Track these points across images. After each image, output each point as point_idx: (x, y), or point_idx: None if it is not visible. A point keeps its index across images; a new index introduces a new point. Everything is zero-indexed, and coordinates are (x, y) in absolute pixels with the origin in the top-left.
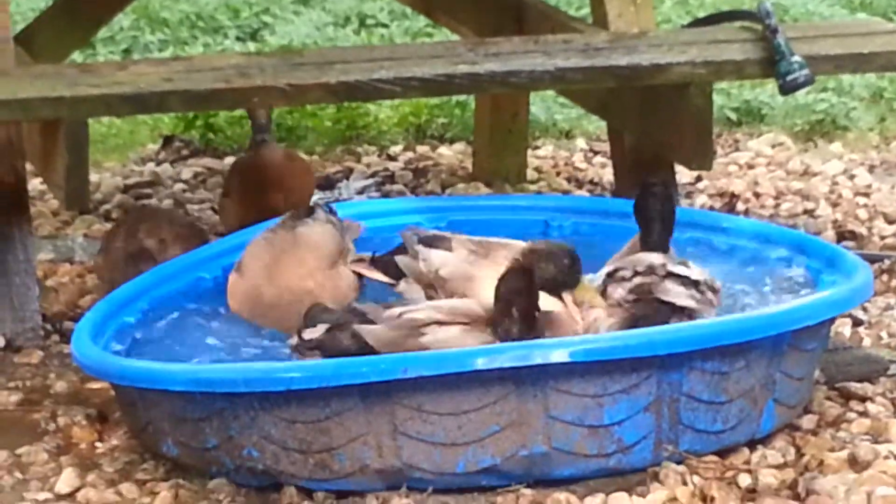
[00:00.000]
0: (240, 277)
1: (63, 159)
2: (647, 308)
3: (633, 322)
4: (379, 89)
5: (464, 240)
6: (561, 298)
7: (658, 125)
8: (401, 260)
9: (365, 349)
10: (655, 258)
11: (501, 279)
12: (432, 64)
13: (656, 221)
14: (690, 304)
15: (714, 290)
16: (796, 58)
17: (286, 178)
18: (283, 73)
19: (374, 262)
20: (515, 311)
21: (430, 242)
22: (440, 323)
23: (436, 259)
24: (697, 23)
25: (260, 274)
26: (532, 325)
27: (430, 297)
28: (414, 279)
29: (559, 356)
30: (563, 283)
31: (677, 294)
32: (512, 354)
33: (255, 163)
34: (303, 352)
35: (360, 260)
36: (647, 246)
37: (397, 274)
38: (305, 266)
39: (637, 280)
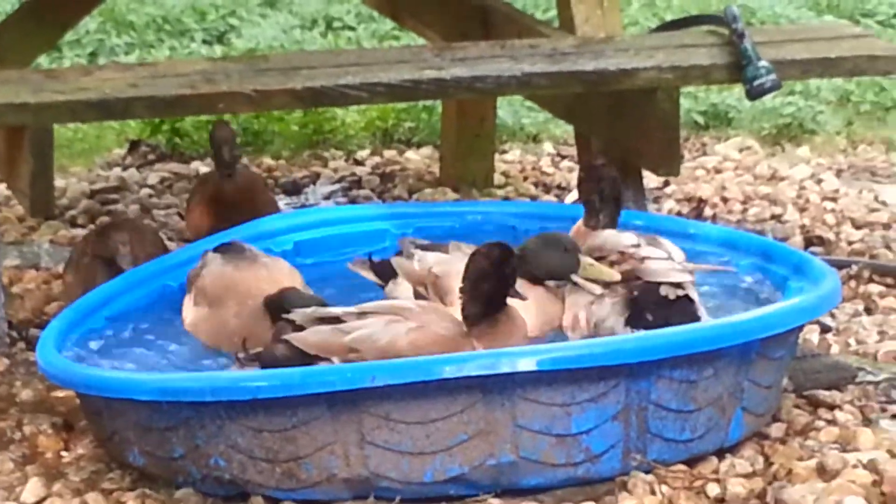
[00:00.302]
0: (204, 307)
1: (28, 165)
2: (644, 285)
3: (633, 300)
4: (345, 95)
5: (461, 245)
6: (572, 282)
7: (625, 130)
8: (395, 260)
9: (300, 357)
10: (626, 239)
11: (469, 259)
12: (398, 69)
13: (605, 200)
14: (684, 278)
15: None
16: (763, 63)
17: (251, 207)
18: (249, 78)
19: (372, 265)
20: (478, 291)
21: (427, 248)
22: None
23: (430, 258)
24: (664, 27)
25: (226, 304)
26: (498, 307)
27: (418, 297)
28: (406, 278)
29: (526, 364)
30: (566, 268)
31: (665, 272)
32: (479, 363)
33: (221, 187)
34: (244, 364)
35: (360, 262)
36: (596, 226)
37: (391, 276)
38: None
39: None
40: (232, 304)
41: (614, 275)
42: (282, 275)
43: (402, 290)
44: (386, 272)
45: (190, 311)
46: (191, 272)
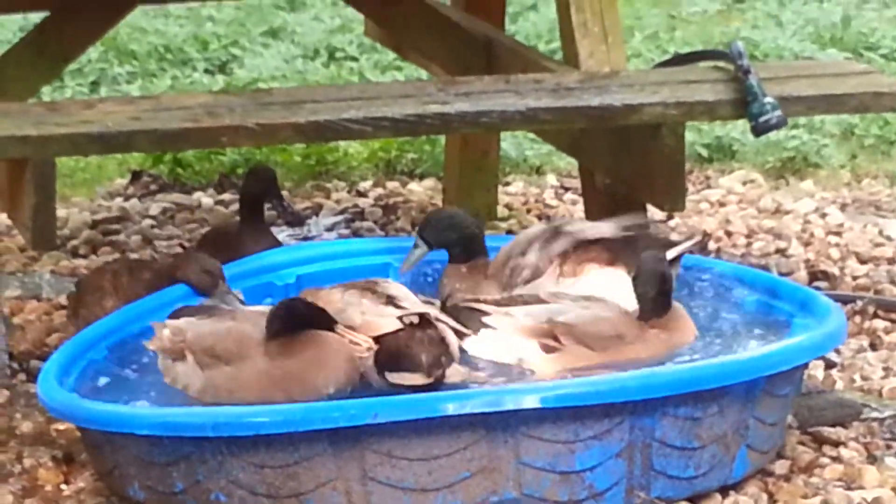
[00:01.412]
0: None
1: (30, 198)
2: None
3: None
4: (349, 129)
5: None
6: None
7: (630, 165)
8: None
9: None
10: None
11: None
12: (402, 104)
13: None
14: None
15: None
16: (769, 99)
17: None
18: (252, 112)
19: None
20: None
21: None
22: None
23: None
24: (669, 62)
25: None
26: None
27: None
28: None
29: (530, 402)
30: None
31: None
32: (482, 400)
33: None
34: None
35: None
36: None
37: None
38: None
39: None
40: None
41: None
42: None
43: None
44: None
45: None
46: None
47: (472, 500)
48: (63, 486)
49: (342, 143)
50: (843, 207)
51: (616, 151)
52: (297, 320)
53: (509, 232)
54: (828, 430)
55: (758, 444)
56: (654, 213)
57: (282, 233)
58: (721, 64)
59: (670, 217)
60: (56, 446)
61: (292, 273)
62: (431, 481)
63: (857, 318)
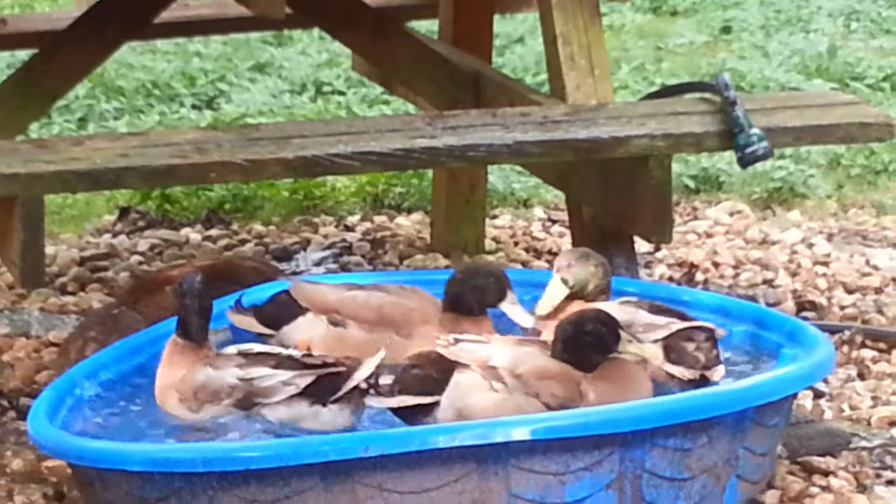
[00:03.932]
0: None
1: (18, 235)
2: None
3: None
4: (337, 164)
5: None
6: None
7: (617, 198)
8: (298, 288)
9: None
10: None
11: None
12: (390, 138)
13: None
14: None
15: None
16: (755, 130)
17: None
18: (241, 148)
19: (256, 312)
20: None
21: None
22: None
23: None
24: (656, 94)
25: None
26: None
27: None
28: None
29: (520, 434)
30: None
31: None
32: (473, 433)
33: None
34: None
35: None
36: None
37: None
38: None
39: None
40: None
41: (656, 354)
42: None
43: (308, 326)
44: (275, 317)
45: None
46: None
47: None
48: None
49: (330, 178)
50: (829, 237)
51: (603, 184)
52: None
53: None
54: (817, 460)
55: (748, 474)
56: (641, 245)
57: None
58: (708, 96)
59: (658, 249)
60: (47, 483)
61: None
62: None
63: (845, 348)
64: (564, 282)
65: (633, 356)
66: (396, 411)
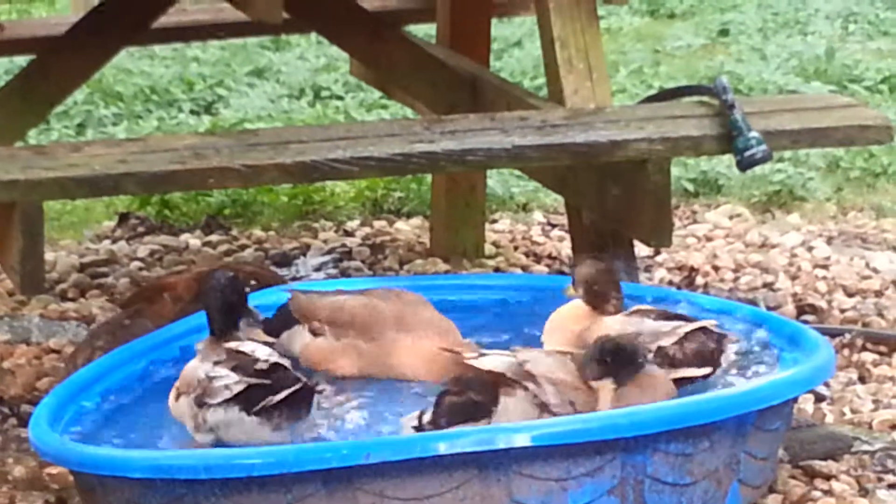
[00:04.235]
0: None
1: (18, 243)
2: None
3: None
4: (336, 169)
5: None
6: None
7: (616, 201)
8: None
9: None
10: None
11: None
12: (389, 143)
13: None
14: None
15: None
16: (754, 133)
17: None
18: (239, 153)
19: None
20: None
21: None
22: None
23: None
24: (654, 98)
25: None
26: None
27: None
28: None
29: (522, 440)
30: None
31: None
32: (474, 439)
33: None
34: None
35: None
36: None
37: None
38: None
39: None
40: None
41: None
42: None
43: (297, 335)
44: (276, 324)
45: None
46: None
47: None
48: None
49: (328, 183)
50: (829, 240)
51: (602, 188)
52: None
53: (496, 269)
54: (819, 464)
55: (750, 478)
56: (640, 249)
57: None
58: (706, 99)
59: (657, 252)
60: (49, 490)
61: None
62: None
63: (846, 351)
64: None
65: None
66: None
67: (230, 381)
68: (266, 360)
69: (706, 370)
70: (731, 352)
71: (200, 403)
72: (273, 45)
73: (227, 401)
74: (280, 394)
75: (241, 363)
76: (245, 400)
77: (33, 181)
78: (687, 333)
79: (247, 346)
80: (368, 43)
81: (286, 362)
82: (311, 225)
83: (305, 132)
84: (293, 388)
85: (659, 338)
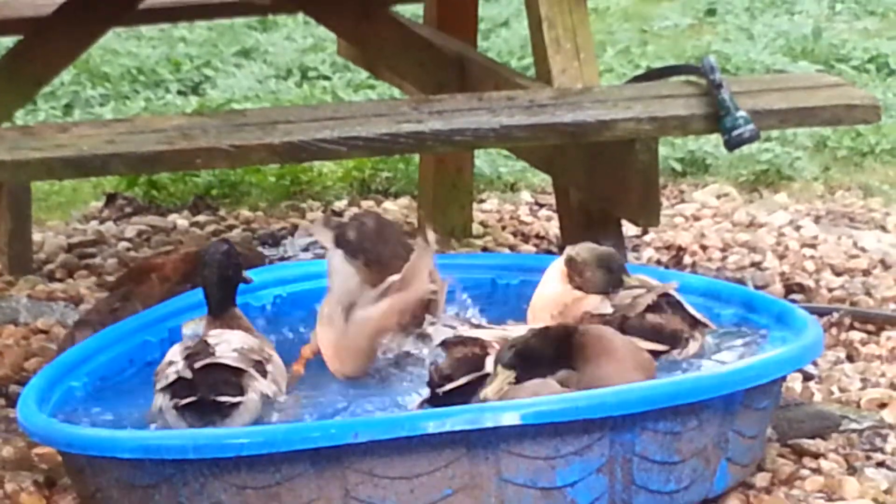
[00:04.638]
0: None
1: (6, 223)
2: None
3: None
4: (323, 149)
5: None
6: None
7: (604, 181)
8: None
9: None
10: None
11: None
12: (376, 123)
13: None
14: None
15: None
16: (741, 113)
17: None
18: (227, 133)
19: None
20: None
21: None
22: None
23: None
24: (642, 77)
25: None
26: None
27: None
28: None
29: (510, 419)
30: None
31: None
32: (462, 418)
33: None
34: None
35: None
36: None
37: None
38: None
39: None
40: None
41: None
42: None
43: None
44: None
45: None
46: None
47: None
48: None
49: (316, 163)
50: (817, 220)
51: (590, 167)
52: None
53: (484, 249)
54: (807, 442)
55: (738, 457)
56: (628, 228)
57: None
58: (693, 78)
59: (645, 232)
60: (38, 471)
61: (269, 294)
62: (413, 499)
63: (834, 330)
64: None
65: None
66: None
67: (174, 368)
68: (210, 358)
69: (663, 347)
70: (699, 340)
71: (154, 385)
72: (260, 26)
73: (162, 388)
74: (186, 399)
75: (197, 352)
76: (172, 391)
77: (20, 162)
78: (651, 308)
79: (217, 338)
80: (356, 23)
81: (239, 363)
82: (299, 205)
83: (293, 112)
84: (193, 398)
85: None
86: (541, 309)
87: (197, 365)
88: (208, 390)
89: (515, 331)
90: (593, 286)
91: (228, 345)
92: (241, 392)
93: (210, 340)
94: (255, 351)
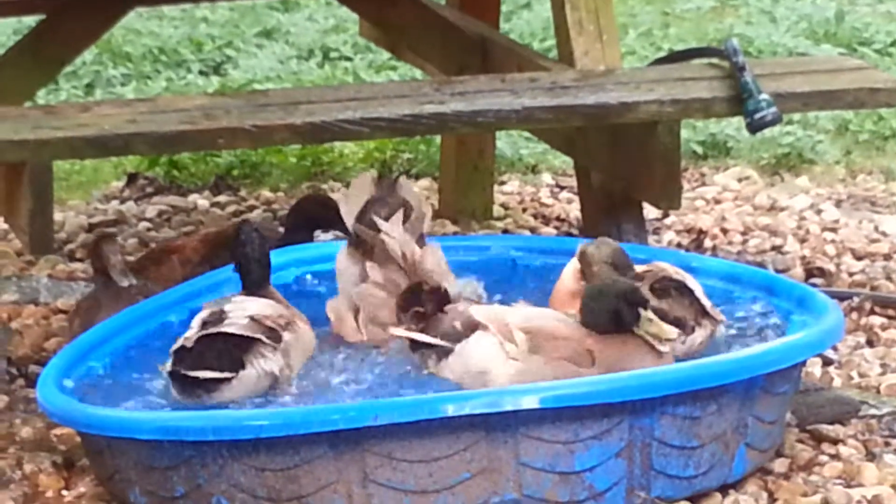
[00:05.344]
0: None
1: (27, 203)
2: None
3: None
4: (345, 130)
5: None
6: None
7: (625, 164)
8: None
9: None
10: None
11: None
12: (398, 104)
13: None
14: None
15: None
16: (764, 96)
17: None
18: (249, 114)
19: None
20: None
21: None
22: None
23: None
24: (664, 60)
25: None
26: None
27: None
28: None
29: (529, 402)
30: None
31: None
32: (482, 401)
33: None
34: None
35: None
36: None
37: None
38: None
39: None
40: None
41: (672, 332)
42: None
43: None
44: None
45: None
46: None
47: (473, 501)
48: (64, 492)
49: (337, 144)
50: (838, 203)
51: (612, 150)
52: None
53: (505, 231)
54: (826, 428)
55: (757, 442)
56: (649, 211)
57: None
58: (716, 61)
59: (666, 215)
60: (56, 452)
61: (291, 273)
62: (432, 483)
63: (854, 315)
64: None
65: (650, 337)
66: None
67: (187, 334)
68: (217, 327)
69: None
70: (707, 329)
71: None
72: (282, 6)
73: (173, 352)
74: (175, 367)
75: (211, 320)
76: (173, 359)
77: (42, 141)
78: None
79: (236, 305)
80: (378, 4)
81: (248, 330)
82: (320, 186)
83: (315, 93)
84: (177, 370)
85: None
86: (558, 300)
87: (202, 333)
88: (200, 363)
89: (512, 310)
90: (598, 281)
91: (244, 311)
92: (239, 366)
93: (227, 307)
94: (273, 318)
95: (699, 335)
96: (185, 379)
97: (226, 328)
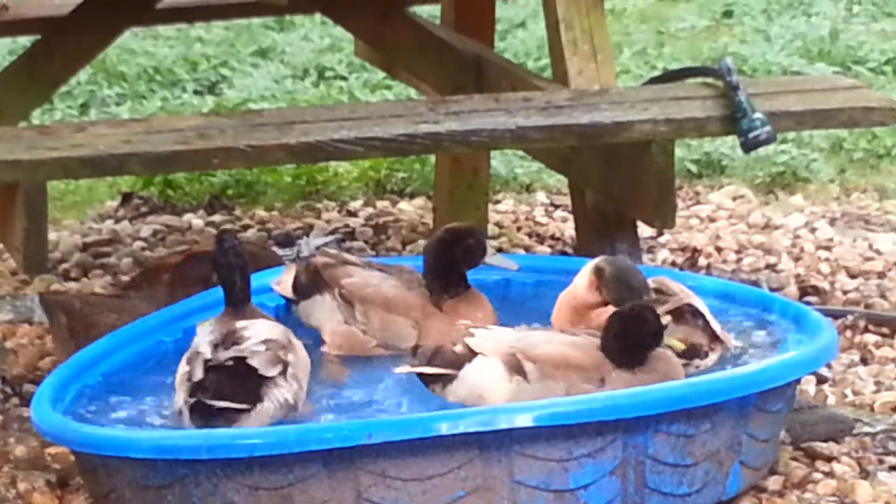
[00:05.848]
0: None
1: (21, 223)
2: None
3: None
4: (340, 150)
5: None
6: None
7: (619, 183)
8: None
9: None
10: None
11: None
12: (393, 124)
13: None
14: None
15: None
16: (758, 115)
17: None
18: (244, 133)
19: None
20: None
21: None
22: None
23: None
24: (658, 79)
25: None
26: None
27: None
28: None
29: (524, 420)
30: None
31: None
32: (476, 419)
33: None
34: None
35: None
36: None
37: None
38: None
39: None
40: None
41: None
42: None
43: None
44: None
45: None
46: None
47: None
48: None
49: (332, 163)
50: (832, 222)
51: (606, 169)
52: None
53: (499, 250)
54: (820, 446)
55: (751, 460)
56: (643, 230)
57: None
58: (710, 80)
59: (661, 234)
60: (50, 470)
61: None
62: (426, 501)
63: (848, 333)
64: None
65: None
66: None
67: (200, 359)
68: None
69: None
70: (718, 352)
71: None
72: (277, 26)
73: (182, 381)
74: (188, 400)
75: (225, 343)
76: (189, 388)
77: (37, 161)
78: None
79: (247, 328)
80: (373, 24)
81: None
82: (315, 205)
83: (310, 112)
84: (200, 401)
85: None
86: (566, 308)
87: (223, 357)
88: (218, 393)
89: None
90: (613, 298)
91: (258, 337)
92: (256, 399)
93: (239, 328)
94: (281, 343)
95: (711, 360)
96: (205, 408)
97: (245, 354)
